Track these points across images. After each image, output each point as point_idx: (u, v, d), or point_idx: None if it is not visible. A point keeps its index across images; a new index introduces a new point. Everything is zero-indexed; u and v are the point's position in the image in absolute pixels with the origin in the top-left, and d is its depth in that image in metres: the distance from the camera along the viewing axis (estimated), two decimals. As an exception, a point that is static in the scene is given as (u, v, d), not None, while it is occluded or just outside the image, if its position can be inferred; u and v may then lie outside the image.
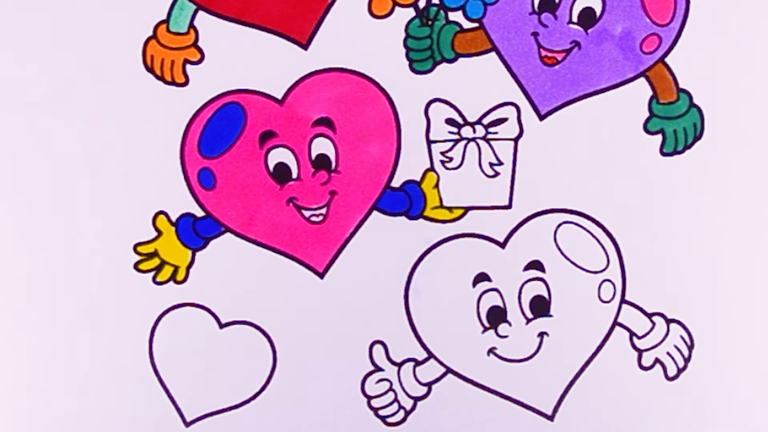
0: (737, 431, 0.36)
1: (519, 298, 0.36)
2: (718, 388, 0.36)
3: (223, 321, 0.37)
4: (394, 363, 0.37)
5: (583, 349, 0.36)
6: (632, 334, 0.36)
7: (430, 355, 0.37)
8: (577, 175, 0.36)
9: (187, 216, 0.36)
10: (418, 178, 0.36)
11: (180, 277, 0.36)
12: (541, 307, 0.36)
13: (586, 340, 0.36)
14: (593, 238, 0.36)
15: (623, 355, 0.36)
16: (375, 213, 0.36)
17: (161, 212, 0.36)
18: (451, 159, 0.36)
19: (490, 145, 0.36)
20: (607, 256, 0.36)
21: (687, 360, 0.36)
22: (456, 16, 0.35)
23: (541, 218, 0.36)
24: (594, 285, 0.36)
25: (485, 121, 0.35)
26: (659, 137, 0.36)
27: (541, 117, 0.36)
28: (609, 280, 0.36)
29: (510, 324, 0.36)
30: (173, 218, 0.36)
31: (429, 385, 0.37)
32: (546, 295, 0.36)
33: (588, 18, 0.35)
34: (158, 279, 0.36)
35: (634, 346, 0.36)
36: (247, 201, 0.36)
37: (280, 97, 0.36)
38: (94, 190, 0.36)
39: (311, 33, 0.35)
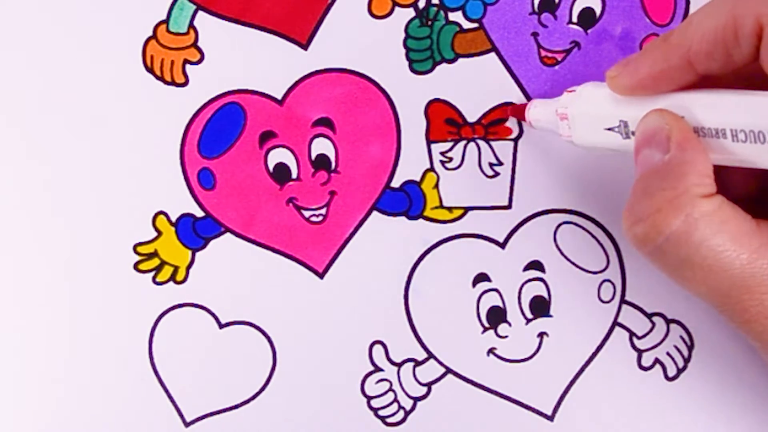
0: (737, 431, 0.36)
1: (519, 298, 0.36)
2: (718, 388, 0.36)
3: (223, 321, 0.37)
4: (393, 363, 0.37)
5: (583, 349, 0.36)
6: (632, 334, 0.36)
7: (430, 355, 0.37)
8: (577, 176, 0.36)
9: (187, 216, 0.36)
10: (418, 178, 0.36)
11: (180, 277, 0.36)
12: (541, 307, 0.36)
13: (585, 340, 0.36)
14: (593, 238, 0.36)
15: (623, 355, 0.36)
16: (375, 213, 0.36)
17: (161, 212, 0.36)
18: (451, 159, 0.36)
19: (490, 145, 0.36)
20: (607, 256, 0.36)
21: (687, 360, 0.36)
22: (456, 17, 0.35)
23: (541, 218, 0.36)
24: (594, 285, 0.36)
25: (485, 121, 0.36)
26: (659, 137, 0.35)
27: (541, 117, 0.36)
28: (609, 281, 0.36)
29: (510, 324, 0.36)
30: (173, 218, 0.36)
31: (429, 385, 0.37)
32: (546, 295, 0.36)
33: (588, 18, 0.35)
34: (158, 279, 0.36)
35: (633, 347, 0.36)
36: (247, 201, 0.36)
37: (280, 97, 0.36)
38: (93, 190, 0.36)
39: (311, 33, 0.35)
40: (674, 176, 0.27)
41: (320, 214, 0.36)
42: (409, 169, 0.36)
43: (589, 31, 0.35)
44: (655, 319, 0.36)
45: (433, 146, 0.36)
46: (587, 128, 0.31)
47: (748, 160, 0.26)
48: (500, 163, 0.36)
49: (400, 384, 0.37)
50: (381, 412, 0.37)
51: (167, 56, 0.36)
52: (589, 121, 0.31)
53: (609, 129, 0.30)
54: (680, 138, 0.27)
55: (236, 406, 0.37)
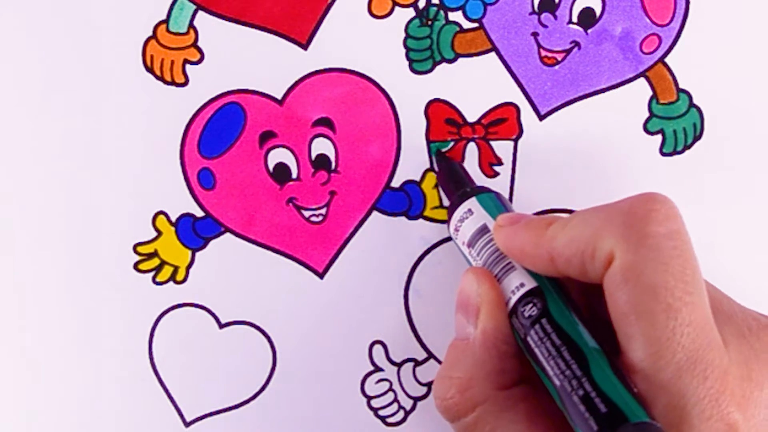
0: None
1: (519, 298, 0.36)
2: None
3: (223, 321, 0.37)
4: (393, 363, 0.37)
5: (583, 349, 0.36)
6: (632, 334, 0.36)
7: (430, 355, 0.37)
8: (577, 176, 0.36)
9: (186, 216, 0.36)
10: (418, 178, 0.36)
11: (180, 277, 0.36)
12: (540, 307, 0.36)
13: (585, 340, 0.36)
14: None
15: (623, 355, 0.36)
16: (375, 213, 0.36)
17: (161, 212, 0.36)
18: (451, 159, 0.36)
19: (490, 145, 0.36)
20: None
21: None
22: (456, 16, 0.35)
23: (541, 218, 0.36)
24: (594, 285, 0.36)
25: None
26: (659, 137, 0.36)
27: (541, 117, 0.36)
28: (609, 280, 0.36)
29: (510, 324, 0.36)
30: (173, 218, 0.36)
31: (429, 385, 0.37)
32: (546, 295, 0.36)
33: (588, 18, 0.35)
34: (158, 279, 0.36)
35: (633, 346, 0.36)
36: (247, 201, 0.36)
37: (279, 97, 0.36)
38: (93, 190, 0.36)
39: (311, 33, 0.35)
40: (472, 363, 0.27)
41: (320, 214, 0.36)
42: (409, 169, 0.36)
43: (589, 31, 0.35)
44: (655, 319, 0.36)
45: (433, 146, 0.36)
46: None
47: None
48: (500, 163, 0.36)
49: (400, 384, 0.37)
50: (381, 412, 0.37)
51: (167, 56, 0.36)
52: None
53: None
54: (486, 318, 0.27)
55: (236, 406, 0.37)
